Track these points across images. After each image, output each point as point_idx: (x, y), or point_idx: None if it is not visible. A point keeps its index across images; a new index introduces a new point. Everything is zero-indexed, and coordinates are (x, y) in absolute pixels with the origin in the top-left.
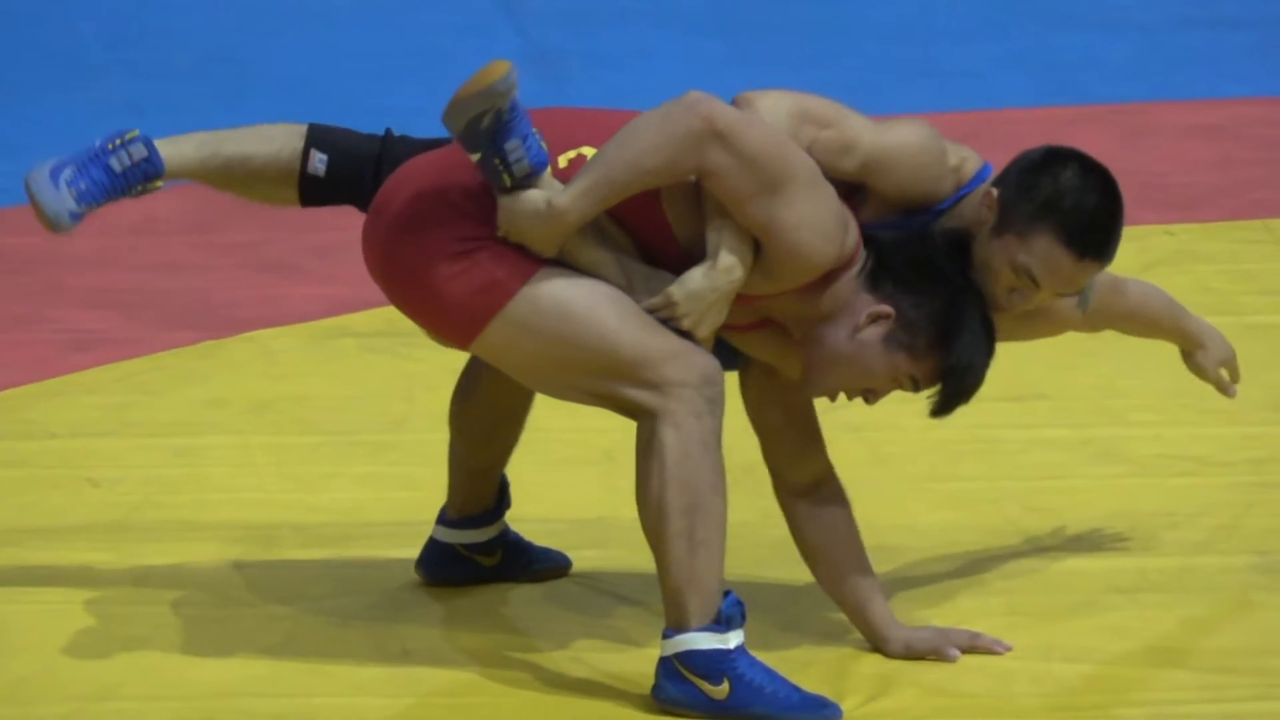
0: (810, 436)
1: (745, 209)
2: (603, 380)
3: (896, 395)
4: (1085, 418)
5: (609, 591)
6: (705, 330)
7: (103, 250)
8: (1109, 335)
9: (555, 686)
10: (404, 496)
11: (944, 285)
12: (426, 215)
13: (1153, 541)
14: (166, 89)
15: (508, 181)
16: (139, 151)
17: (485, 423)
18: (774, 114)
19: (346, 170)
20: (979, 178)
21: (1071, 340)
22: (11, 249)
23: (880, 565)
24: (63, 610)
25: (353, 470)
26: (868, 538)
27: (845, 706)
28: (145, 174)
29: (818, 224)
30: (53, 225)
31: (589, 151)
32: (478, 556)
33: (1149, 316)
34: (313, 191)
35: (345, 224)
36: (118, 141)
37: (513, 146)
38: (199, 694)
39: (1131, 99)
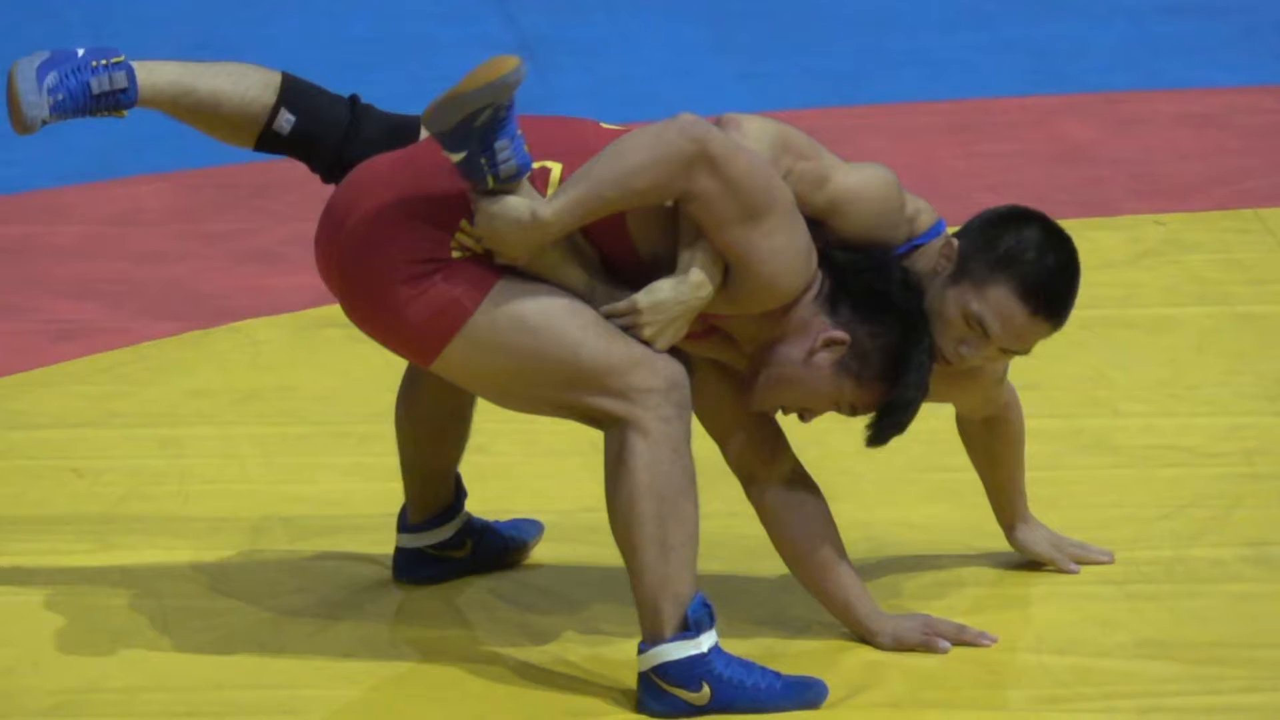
0: (775, 433)
1: (723, 234)
2: (568, 391)
3: None
4: (1075, 408)
5: (596, 584)
6: (664, 343)
7: (87, 240)
8: (1100, 324)
9: (541, 679)
10: (391, 487)
11: (899, 319)
12: (382, 234)
13: (1143, 533)
14: None
15: (490, 183)
16: (120, 80)
17: (433, 423)
18: (759, 139)
19: (310, 134)
20: (933, 231)
21: (1060, 330)
22: None
23: (869, 557)
24: (47, 602)
25: (339, 461)
26: (856, 530)
27: (833, 698)
28: (117, 102)
29: (791, 257)
30: (23, 126)
31: (552, 165)
32: (448, 553)
33: (1006, 435)
34: (270, 143)
35: None
36: (104, 62)
37: (502, 146)
38: (184, 686)
39: (1120, 88)
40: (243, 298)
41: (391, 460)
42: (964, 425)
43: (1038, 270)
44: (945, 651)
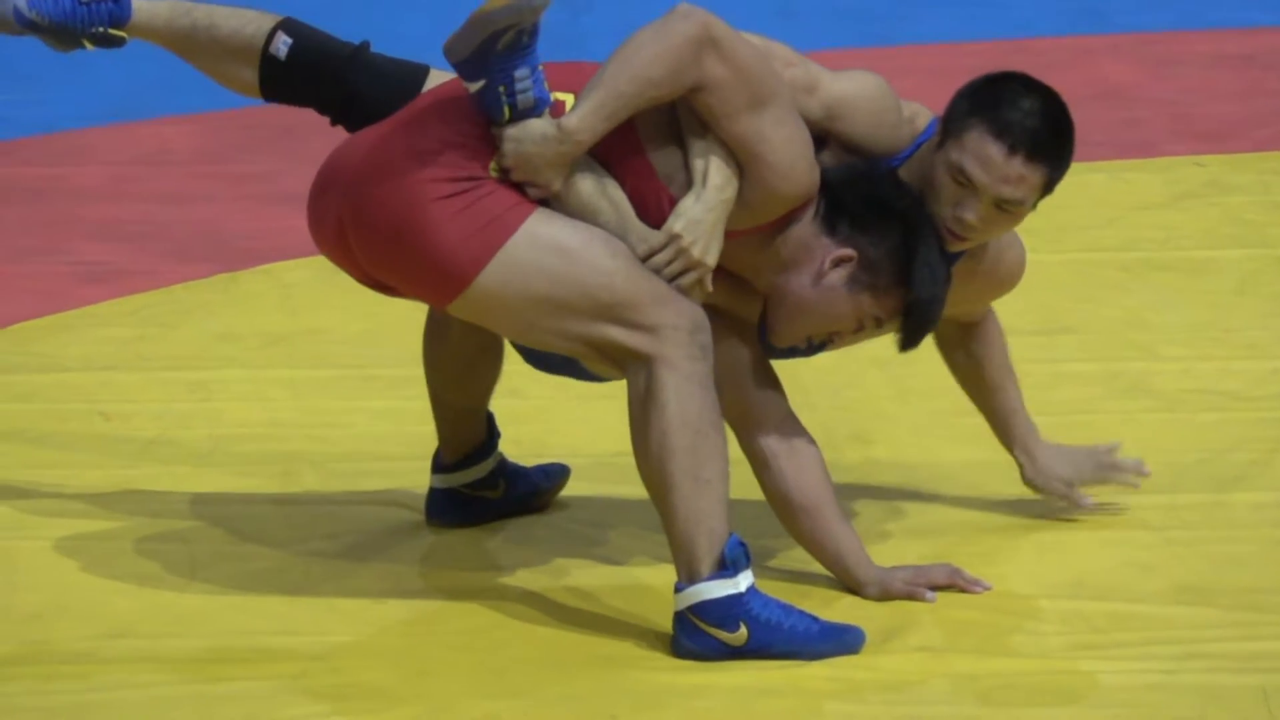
0: (770, 380)
1: (736, 124)
2: (596, 322)
3: None
4: (1113, 351)
5: (628, 528)
6: (712, 257)
7: (114, 181)
8: (1138, 266)
9: (574, 624)
10: (422, 431)
11: (898, 219)
12: (407, 159)
13: (1182, 477)
14: None
15: (507, 114)
16: None
17: (462, 359)
18: None
19: (309, 60)
20: (931, 127)
21: (1098, 273)
22: (22, 179)
23: (903, 502)
24: (75, 546)
25: (369, 404)
26: (891, 474)
27: (867, 644)
28: (110, 15)
29: (801, 146)
30: None
31: (565, 97)
32: (483, 492)
33: (987, 336)
34: (273, 78)
35: None
36: None
37: (522, 75)
38: (213, 631)
39: (1158, 28)
40: (271, 240)
41: (423, 404)
42: (944, 331)
43: (1011, 110)
44: (931, 601)
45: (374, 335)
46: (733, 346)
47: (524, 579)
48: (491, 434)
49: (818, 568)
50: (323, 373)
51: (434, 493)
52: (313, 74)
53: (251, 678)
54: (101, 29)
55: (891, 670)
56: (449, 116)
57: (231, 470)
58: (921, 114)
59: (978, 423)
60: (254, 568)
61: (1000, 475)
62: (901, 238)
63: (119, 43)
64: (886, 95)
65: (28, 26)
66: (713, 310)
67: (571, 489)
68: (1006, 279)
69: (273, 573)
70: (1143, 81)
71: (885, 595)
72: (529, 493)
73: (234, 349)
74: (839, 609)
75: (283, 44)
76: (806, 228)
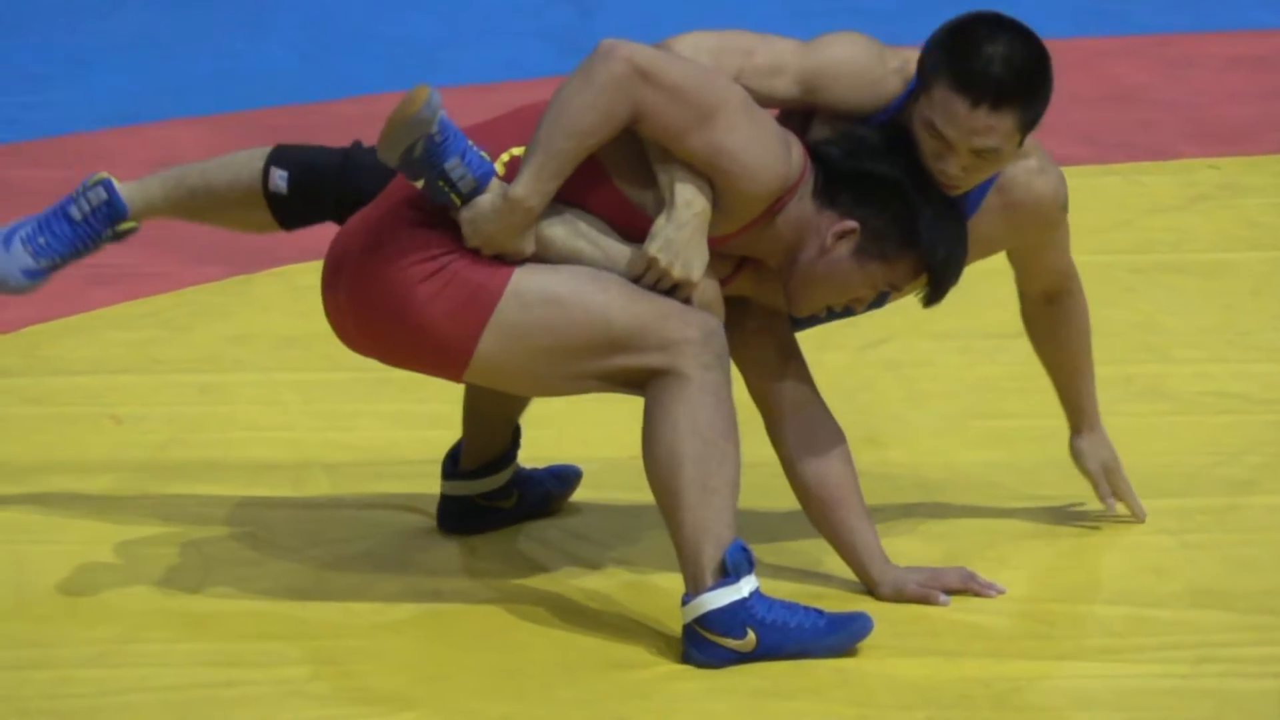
0: (799, 372)
1: (687, 143)
2: (606, 358)
3: (932, 333)
4: (1127, 354)
5: (643, 533)
6: (697, 272)
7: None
8: (1152, 269)
9: (588, 627)
10: (434, 435)
11: (895, 186)
12: (389, 245)
13: (1196, 480)
14: (183, 19)
15: (458, 201)
16: (97, 196)
17: None
18: (695, 52)
19: (309, 184)
20: None
21: (1112, 275)
22: (31, 181)
23: (917, 505)
24: (86, 551)
25: (382, 408)
26: (906, 476)
27: (883, 648)
28: (109, 218)
29: (762, 146)
30: (12, 291)
31: (516, 151)
32: (496, 503)
33: (1070, 315)
34: (284, 211)
35: None
36: (80, 189)
37: (453, 165)
38: (226, 636)
39: (1174, 30)
40: (283, 242)
41: (434, 407)
42: (1027, 308)
43: (974, 59)
44: (944, 604)
45: None
46: (761, 336)
47: (537, 582)
48: (514, 444)
49: (829, 569)
50: (335, 376)
51: (446, 500)
52: (318, 195)
53: (264, 681)
54: (110, 232)
55: (905, 674)
56: (412, 199)
57: (243, 474)
58: (913, 60)
59: (991, 426)
60: (266, 571)
61: (1014, 478)
62: (903, 202)
63: (134, 231)
64: (863, 52)
65: (46, 274)
66: (740, 300)
67: (585, 492)
68: (1043, 208)
69: (285, 576)
70: (1157, 83)
71: (898, 597)
72: (541, 499)
73: (246, 352)
74: (854, 609)
75: (280, 179)
76: (804, 206)
